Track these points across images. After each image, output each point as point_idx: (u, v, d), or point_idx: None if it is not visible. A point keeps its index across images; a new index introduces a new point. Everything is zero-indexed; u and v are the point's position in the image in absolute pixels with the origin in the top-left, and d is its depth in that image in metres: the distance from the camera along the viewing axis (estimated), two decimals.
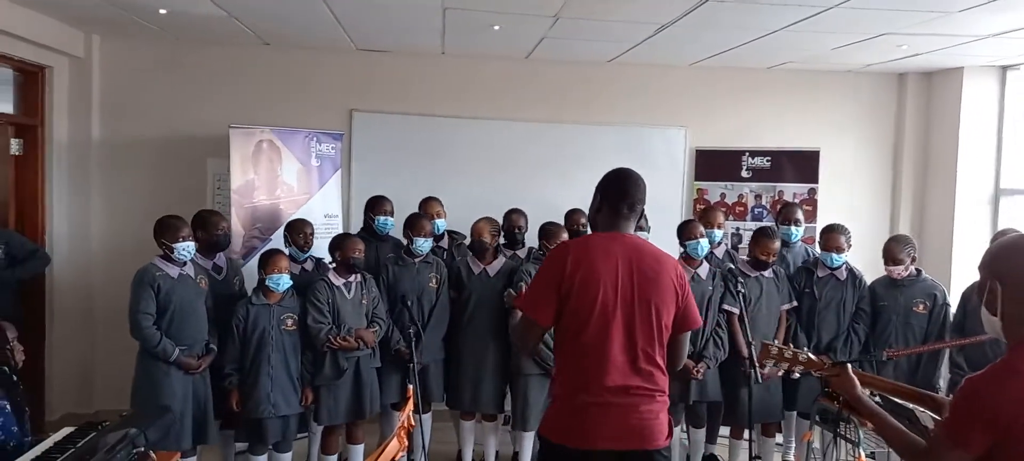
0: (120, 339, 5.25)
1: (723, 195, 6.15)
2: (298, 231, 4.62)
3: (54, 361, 5.55)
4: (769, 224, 5.39)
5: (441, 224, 5.00)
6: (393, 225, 4.92)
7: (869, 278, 4.77)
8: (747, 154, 6.12)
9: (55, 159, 5.49)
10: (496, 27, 4.79)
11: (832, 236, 4.58)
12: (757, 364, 2.58)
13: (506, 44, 5.38)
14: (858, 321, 4.57)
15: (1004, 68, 5.73)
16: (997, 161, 5.83)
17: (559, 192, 5.67)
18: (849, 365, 2.43)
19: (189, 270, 4.09)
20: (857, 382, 2.38)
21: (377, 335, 4.35)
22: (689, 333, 2.65)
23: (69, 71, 5.57)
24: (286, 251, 4.55)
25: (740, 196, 6.14)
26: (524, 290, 2.71)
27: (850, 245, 4.62)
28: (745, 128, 6.18)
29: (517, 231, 4.88)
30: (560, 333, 2.56)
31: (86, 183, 5.67)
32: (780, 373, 2.55)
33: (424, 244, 4.55)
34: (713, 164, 6.14)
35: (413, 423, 3.53)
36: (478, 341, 4.54)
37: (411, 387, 3.76)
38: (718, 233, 4.92)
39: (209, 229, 4.31)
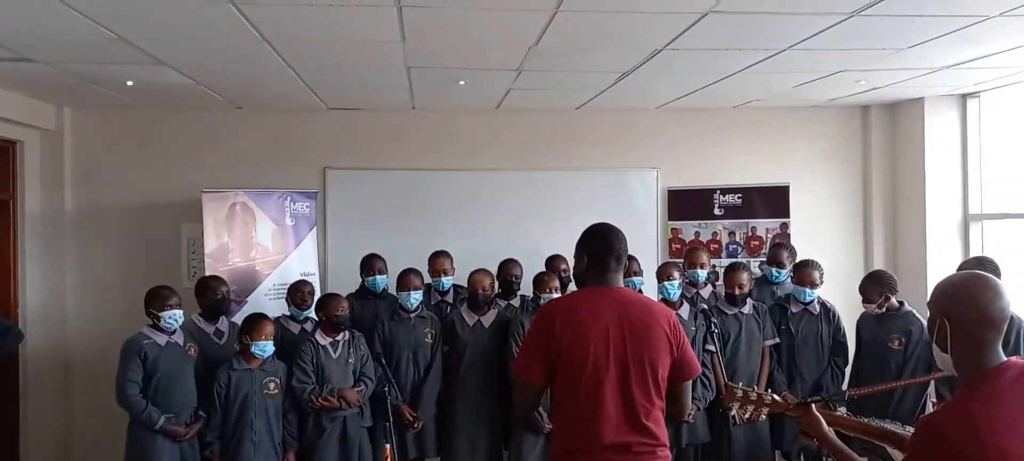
0: (99, 410, 5.24)
1: (697, 234, 6.20)
2: (297, 291, 4.72)
3: (30, 438, 5.46)
4: (739, 260, 5.46)
5: (447, 282, 5.00)
6: (386, 282, 4.94)
7: (843, 311, 4.81)
8: (719, 192, 6.19)
9: (28, 232, 5.48)
10: (462, 82, 4.87)
11: (805, 271, 4.62)
12: (726, 406, 2.58)
13: (475, 96, 5.45)
14: (837, 354, 4.61)
15: (964, 97, 5.84)
16: (963, 187, 5.91)
17: (541, 239, 5.68)
18: (813, 405, 2.44)
19: (178, 338, 4.12)
20: (822, 421, 2.39)
21: (362, 394, 4.33)
22: (690, 382, 2.64)
23: (41, 143, 5.59)
24: (288, 312, 4.70)
25: (714, 234, 6.19)
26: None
27: (823, 280, 4.66)
28: (716, 166, 6.25)
29: (514, 280, 4.90)
30: (555, 393, 2.56)
31: (60, 255, 5.65)
32: (749, 417, 2.55)
33: (412, 298, 4.56)
34: (686, 203, 6.20)
35: None
36: (474, 394, 4.52)
37: (388, 447, 3.74)
38: (702, 273, 4.96)
39: (208, 294, 4.41)
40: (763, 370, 4.64)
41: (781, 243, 5.53)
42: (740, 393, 2.54)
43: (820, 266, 4.66)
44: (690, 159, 6.24)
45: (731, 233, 6.17)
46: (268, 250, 5.49)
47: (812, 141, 6.33)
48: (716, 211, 6.18)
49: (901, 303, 4.48)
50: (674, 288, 4.65)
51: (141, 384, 3.96)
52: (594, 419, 2.45)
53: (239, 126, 5.90)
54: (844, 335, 4.65)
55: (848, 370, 4.70)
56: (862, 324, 4.59)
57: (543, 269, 4.88)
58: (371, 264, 4.94)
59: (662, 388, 2.53)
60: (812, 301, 4.64)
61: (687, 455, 4.67)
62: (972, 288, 1.90)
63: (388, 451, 3.89)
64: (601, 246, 2.61)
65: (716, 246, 6.15)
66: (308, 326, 4.67)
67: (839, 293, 5.20)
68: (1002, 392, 1.83)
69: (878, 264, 6.01)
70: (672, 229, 6.24)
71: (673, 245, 6.19)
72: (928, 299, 2.03)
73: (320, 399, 4.18)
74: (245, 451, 4.08)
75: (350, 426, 4.32)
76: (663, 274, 4.70)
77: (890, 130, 6.26)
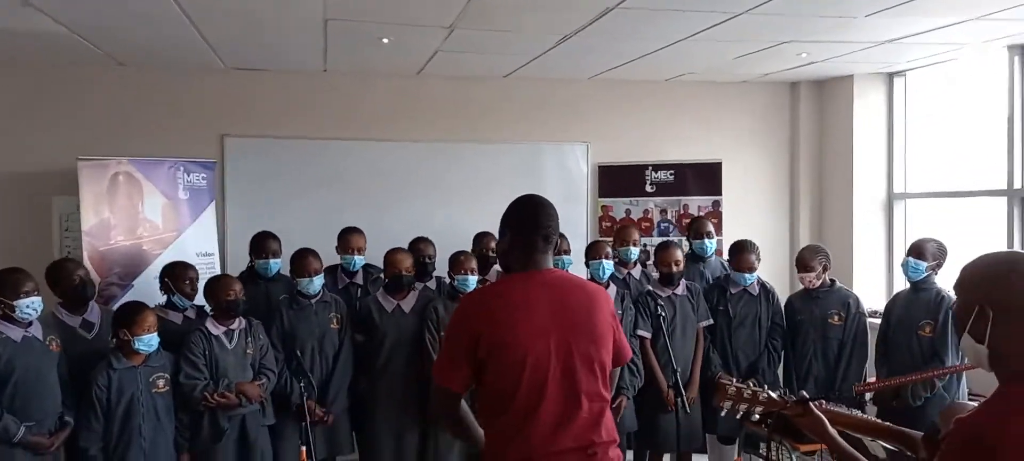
0: None
1: (628, 211, 5.96)
2: (181, 277, 4.03)
3: None
4: (671, 238, 5.25)
5: (359, 260, 4.50)
6: (280, 265, 4.38)
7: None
8: (650, 168, 5.96)
9: None
10: (385, 40, 4.38)
11: (743, 257, 4.42)
12: (718, 405, 2.27)
13: (395, 60, 4.97)
14: (775, 336, 4.44)
15: (891, 75, 5.83)
16: (888, 166, 5.91)
17: (461, 216, 5.31)
18: (812, 403, 2.17)
19: (36, 331, 3.44)
20: (826, 420, 2.11)
21: (264, 388, 3.82)
22: (619, 368, 2.34)
23: None
24: (162, 300, 4.01)
25: (645, 211, 5.96)
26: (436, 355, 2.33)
27: (759, 261, 4.48)
28: (647, 142, 6.01)
29: (427, 261, 4.49)
30: (484, 401, 2.18)
31: None
32: (741, 417, 2.25)
33: (312, 285, 4.07)
34: (617, 180, 5.94)
35: None
36: (397, 387, 4.08)
37: (304, 449, 3.27)
38: (634, 251, 4.70)
39: (63, 281, 3.72)
40: (697, 352, 4.44)
41: (701, 216, 5.40)
42: (733, 389, 2.24)
43: (756, 247, 4.48)
44: (621, 134, 5.98)
45: (663, 211, 5.96)
46: (158, 227, 4.83)
47: (742, 117, 6.20)
48: (648, 188, 5.95)
49: (833, 281, 4.41)
50: (607, 267, 4.36)
51: None
52: (538, 425, 2.10)
53: (121, 85, 5.18)
54: (782, 317, 4.49)
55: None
56: (794, 305, 4.48)
57: (462, 249, 4.46)
58: (264, 244, 4.33)
59: (607, 375, 2.22)
60: (751, 282, 4.45)
61: (619, 445, 4.40)
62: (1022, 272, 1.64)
63: (303, 454, 3.41)
64: (528, 222, 2.23)
65: (647, 224, 5.92)
66: (191, 314, 4.06)
67: (765, 272, 5.03)
68: None
69: (804, 241, 5.93)
70: (603, 206, 5.96)
71: (603, 223, 5.92)
72: (957, 281, 1.76)
73: (215, 396, 3.64)
74: (133, 460, 3.50)
75: (250, 425, 3.80)
76: (594, 252, 4.38)
77: (818, 107, 6.20)
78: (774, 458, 3.76)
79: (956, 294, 1.76)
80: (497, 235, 2.35)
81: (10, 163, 4.97)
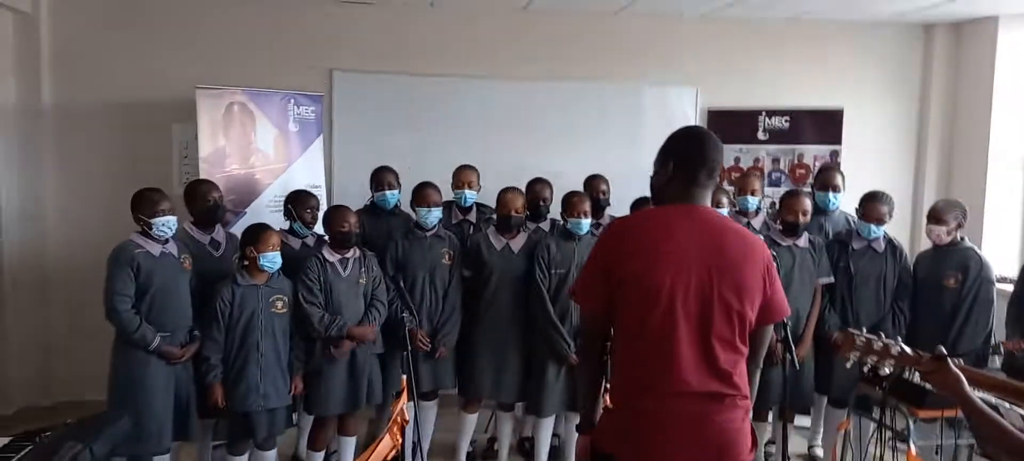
0: (81, 323, 4.79)
1: (737, 159, 5.69)
2: (305, 206, 4.12)
3: (8, 351, 5.03)
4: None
5: (471, 195, 4.50)
6: (398, 198, 4.42)
7: None
8: (764, 114, 5.65)
9: (1, 126, 4.92)
10: None
11: (874, 205, 4.12)
12: (842, 356, 2.12)
13: None
14: (901, 297, 4.13)
15: None
16: None
17: (565, 157, 5.21)
18: (950, 360, 1.99)
19: (172, 248, 3.62)
20: (963, 378, 1.94)
21: (375, 323, 3.88)
22: (772, 326, 2.19)
23: (14, 28, 4.97)
24: (287, 225, 4.12)
25: (756, 160, 5.68)
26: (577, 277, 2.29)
27: (891, 216, 4.17)
28: (761, 86, 5.69)
29: (542, 203, 4.41)
30: (617, 329, 2.13)
31: (38, 152, 5.10)
32: (871, 369, 2.09)
33: (430, 215, 4.09)
34: (727, 125, 5.64)
35: (408, 417, 3.09)
36: (501, 324, 4.08)
37: (405, 378, 3.30)
38: (753, 200, 4.46)
39: (198, 200, 3.89)
40: (813, 309, 4.20)
41: (831, 166, 5.05)
42: (862, 341, 2.08)
43: (890, 199, 4.16)
44: (734, 77, 5.68)
45: (775, 160, 5.67)
46: (270, 157, 4.96)
47: (868, 62, 5.77)
48: (760, 135, 5.66)
49: (962, 239, 4.07)
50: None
51: (133, 298, 3.47)
52: (665, 360, 2.02)
53: (237, 16, 5.28)
54: (910, 275, 4.18)
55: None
56: (919, 265, 4.20)
57: (573, 190, 4.35)
58: (382, 178, 4.40)
59: (748, 330, 2.09)
60: (877, 238, 4.16)
61: None
62: None
63: (404, 382, 3.45)
64: (694, 153, 2.12)
65: (758, 172, 5.64)
66: (310, 242, 4.16)
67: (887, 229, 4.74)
68: None
69: (930, 200, 5.51)
70: None
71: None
72: None
73: (331, 347, 3.75)
74: (250, 375, 3.64)
75: (360, 354, 3.89)
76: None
77: (954, 52, 5.70)
78: (887, 423, 3.55)
79: None
80: (653, 165, 2.23)
81: (135, 90, 5.18)
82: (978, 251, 4.08)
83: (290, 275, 3.82)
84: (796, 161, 5.63)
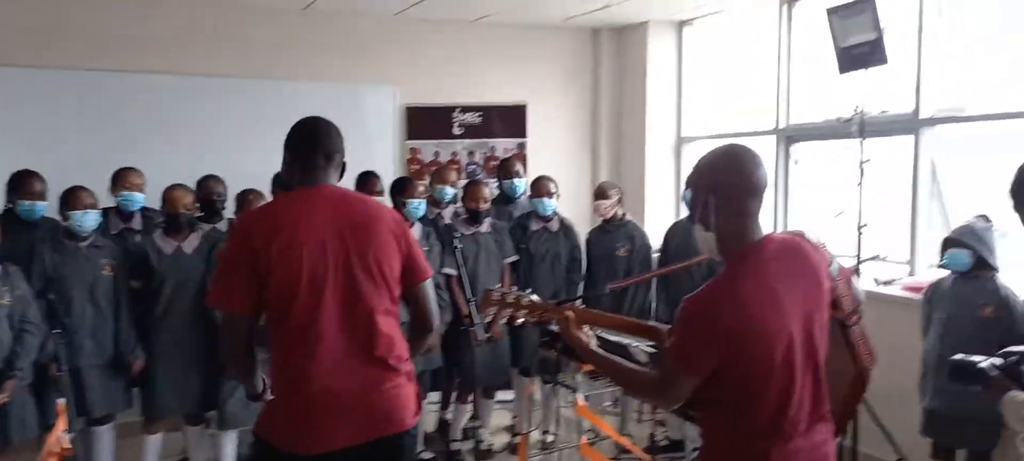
0: None
1: (437, 154, 5.95)
2: None
3: None
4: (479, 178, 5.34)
5: (138, 198, 4.15)
6: (45, 209, 3.90)
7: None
8: (459, 110, 5.97)
9: None
10: None
11: (541, 183, 4.63)
12: (478, 316, 2.31)
13: None
14: (573, 272, 4.65)
15: (681, 23, 6.18)
16: (678, 111, 6.30)
17: (256, 158, 4.94)
18: (569, 305, 2.27)
19: None
20: (572, 318, 2.17)
21: (19, 378, 3.34)
22: (426, 285, 2.30)
23: None
24: None
25: (453, 154, 5.98)
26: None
27: (558, 194, 4.66)
28: (454, 84, 6.00)
29: (216, 199, 4.22)
30: (269, 320, 2.14)
31: None
32: (502, 325, 2.31)
33: (87, 218, 3.67)
34: (424, 121, 5.90)
35: (68, 446, 2.79)
36: (178, 335, 3.82)
37: (61, 402, 2.97)
38: (449, 191, 4.75)
39: None
40: (504, 288, 4.55)
41: (511, 157, 5.53)
42: (497, 295, 2.29)
43: (554, 179, 4.68)
44: (429, 75, 5.92)
45: (471, 153, 6.01)
46: None
47: (547, 61, 6.34)
48: (455, 130, 5.97)
49: (624, 215, 4.71)
50: (420, 207, 4.34)
51: None
52: (317, 339, 2.09)
53: None
54: (580, 252, 4.72)
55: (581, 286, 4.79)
56: (590, 240, 4.77)
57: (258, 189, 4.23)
58: (28, 185, 3.82)
59: (396, 290, 2.22)
60: (552, 217, 4.63)
61: (423, 381, 4.42)
62: (734, 157, 1.86)
63: (61, 407, 3.07)
64: (306, 142, 2.23)
65: (456, 166, 5.94)
66: None
67: (569, 212, 5.24)
68: (764, 266, 1.81)
69: None
70: (411, 149, 5.91)
71: (412, 166, 5.88)
72: (688, 177, 1.94)
73: None
74: None
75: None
76: (409, 190, 4.30)
77: (617, 53, 6.46)
78: (562, 381, 3.96)
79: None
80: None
81: None
82: (639, 225, 4.79)
83: None
84: (489, 154, 6.02)
